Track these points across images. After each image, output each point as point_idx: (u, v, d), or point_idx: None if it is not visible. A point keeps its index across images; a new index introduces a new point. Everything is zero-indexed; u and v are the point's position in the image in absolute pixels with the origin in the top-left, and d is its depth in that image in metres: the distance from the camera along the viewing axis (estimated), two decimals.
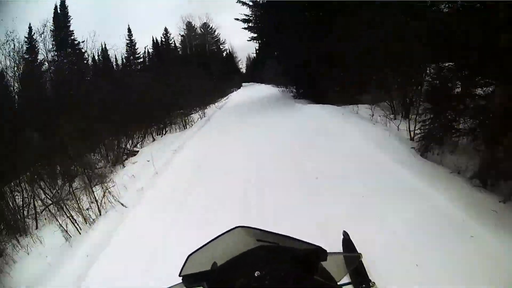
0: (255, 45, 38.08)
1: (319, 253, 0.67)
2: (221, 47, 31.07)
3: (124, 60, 19.71)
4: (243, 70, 40.22)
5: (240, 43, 43.44)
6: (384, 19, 5.13)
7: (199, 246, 0.74)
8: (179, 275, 0.69)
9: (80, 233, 3.20)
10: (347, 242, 1.57)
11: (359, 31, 5.79)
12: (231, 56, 34.76)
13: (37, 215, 3.98)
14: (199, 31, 27.98)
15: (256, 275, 0.61)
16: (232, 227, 0.75)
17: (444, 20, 3.22)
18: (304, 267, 0.65)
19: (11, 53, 6.90)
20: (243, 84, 37.32)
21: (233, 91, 25.70)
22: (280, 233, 0.72)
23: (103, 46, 15.78)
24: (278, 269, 0.63)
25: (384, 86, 5.41)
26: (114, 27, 31.70)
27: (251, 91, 22.39)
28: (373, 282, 0.97)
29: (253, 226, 0.75)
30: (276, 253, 0.69)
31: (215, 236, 0.75)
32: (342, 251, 1.39)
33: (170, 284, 0.73)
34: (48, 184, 4.52)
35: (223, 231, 0.75)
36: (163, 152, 5.98)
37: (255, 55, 36.31)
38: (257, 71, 31.31)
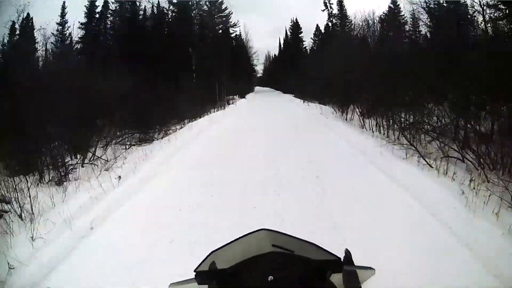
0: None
1: (333, 264, 0.68)
2: (231, 30, 21.12)
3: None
4: (259, 70, 32.95)
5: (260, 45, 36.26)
6: None
7: (223, 244, 0.75)
8: (194, 270, 0.71)
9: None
10: (348, 261, 1.64)
11: None
12: (240, 45, 23.81)
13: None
14: (205, 7, 18.48)
15: (269, 279, 0.62)
16: (256, 229, 0.77)
17: None
18: (317, 277, 0.66)
19: None
20: (256, 89, 32.95)
21: (231, 103, 16.78)
22: (303, 238, 0.74)
23: None
24: (291, 276, 0.65)
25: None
26: None
27: (263, 107, 15.67)
28: None
29: (276, 230, 0.76)
30: (289, 260, 0.71)
31: (239, 236, 0.77)
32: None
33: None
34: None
35: (247, 232, 0.77)
36: None
37: (276, 53, 30.39)
38: (281, 74, 25.16)
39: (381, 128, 6.63)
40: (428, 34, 12.15)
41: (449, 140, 4.36)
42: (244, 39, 24.67)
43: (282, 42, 28.51)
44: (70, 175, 4.42)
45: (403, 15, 14.88)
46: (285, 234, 0.75)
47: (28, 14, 11.88)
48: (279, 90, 28.15)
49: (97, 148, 5.57)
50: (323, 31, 20.68)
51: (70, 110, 5.01)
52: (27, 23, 11.94)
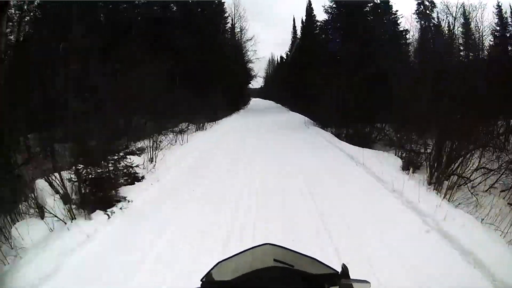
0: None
1: (331, 278, 0.73)
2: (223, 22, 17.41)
3: None
4: (257, 78, 26.10)
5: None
6: None
7: (229, 256, 0.79)
8: (201, 280, 0.74)
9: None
10: (345, 275, 1.70)
11: None
12: (230, 37, 19.02)
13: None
14: None
15: None
16: (261, 243, 0.81)
17: None
18: None
19: None
20: (252, 103, 30.24)
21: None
22: (304, 253, 0.79)
23: None
24: (293, 286, 0.70)
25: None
26: None
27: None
28: None
29: (281, 245, 0.81)
30: (289, 275, 0.75)
31: (245, 249, 0.81)
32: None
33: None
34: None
35: (252, 246, 0.81)
36: None
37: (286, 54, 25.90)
38: (288, 86, 20.12)
39: None
40: None
41: None
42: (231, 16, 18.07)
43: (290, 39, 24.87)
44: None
45: None
46: (286, 248, 0.80)
47: None
48: (288, 106, 21.29)
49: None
50: None
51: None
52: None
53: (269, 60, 33.84)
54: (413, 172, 4.85)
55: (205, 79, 13.72)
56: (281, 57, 31.15)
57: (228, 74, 16.46)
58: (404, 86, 7.80)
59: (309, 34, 19.72)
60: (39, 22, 9.92)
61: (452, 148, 4.28)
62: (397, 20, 14.56)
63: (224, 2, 17.44)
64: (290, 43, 26.62)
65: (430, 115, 5.58)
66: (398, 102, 7.32)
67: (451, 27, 13.28)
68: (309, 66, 15.61)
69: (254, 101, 35.20)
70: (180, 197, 4.22)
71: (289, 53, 27.12)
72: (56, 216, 3.09)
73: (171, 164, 5.73)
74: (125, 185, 4.23)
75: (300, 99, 17.54)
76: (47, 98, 6.26)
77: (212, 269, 0.76)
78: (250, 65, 22.18)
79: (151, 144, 5.71)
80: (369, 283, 0.75)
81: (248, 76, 22.49)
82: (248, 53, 21.62)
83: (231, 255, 0.79)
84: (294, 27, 26.25)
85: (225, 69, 15.98)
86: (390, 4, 14.56)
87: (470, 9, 13.05)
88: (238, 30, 20.94)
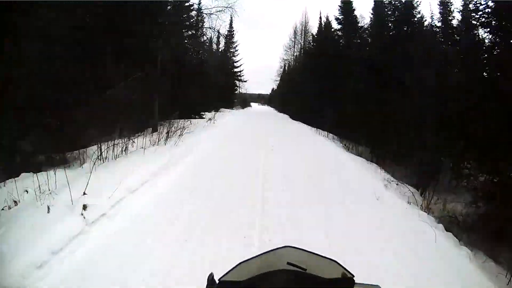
0: None
1: (344, 282, 0.74)
2: None
3: None
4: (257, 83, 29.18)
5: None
6: None
7: (251, 257, 0.79)
8: (219, 279, 0.75)
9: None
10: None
11: None
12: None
13: None
14: None
15: None
16: (282, 246, 0.82)
17: None
18: None
19: None
20: (252, 109, 32.07)
21: None
22: (324, 255, 0.79)
23: None
24: None
25: None
26: None
27: None
28: None
29: (301, 247, 0.82)
30: (300, 278, 0.75)
31: (266, 250, 0.81)
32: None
33: None
34: None
35: (274, 248, 0.81)
36: None
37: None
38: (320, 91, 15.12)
39: None
40: None
41: None
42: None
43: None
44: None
45: None
46: (306, 250, 0.81)
47: None
48: (309, 124, 15.55)
49: None
50: None
51: None
52: None
53: (282, 68, 32.65)
54: None
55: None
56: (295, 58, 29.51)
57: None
58: None
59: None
60: None
61: None
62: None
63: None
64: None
65: None
66: None
67: None
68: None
69: (252, 109, 36.90)
70: None
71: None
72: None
73: None
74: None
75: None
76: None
77: (232, 269, 0.77)
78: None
79: None
80: (380, 287, 0.76)
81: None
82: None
83: (252, 256, 0.80)
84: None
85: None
86: None
87: None
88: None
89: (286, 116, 24.05)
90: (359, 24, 16.21)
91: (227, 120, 14.82)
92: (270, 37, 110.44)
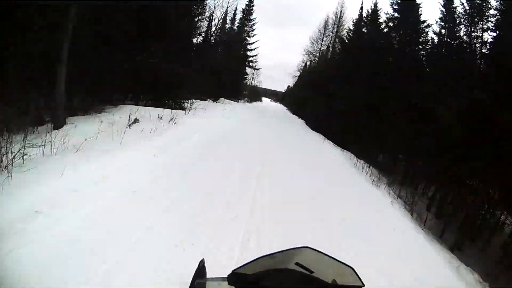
0: None
1: None
2: None
3: None
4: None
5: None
6: None
7: (271, 252, 0.77)
8: (232, 270, 0.74)
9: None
10: None
11: None
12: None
13: None
14: None
15: None
16: (301, 246, 0.79)
17: None
18: None
19: None
20: (262, 101, 28.65)
21: None
22: (342, 261, 0.76)
23: None
24: None
25: None
26: None
27: None
28: None
29: (320, 250, 0.78)
30: (307, 281, 0.73)
31: (285, 248, 0.78)
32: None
33: None
34: None
35: (293, 247, 0.79)
36: None
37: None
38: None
39: None
40: None
41: None
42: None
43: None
44: None
45: None
46: (322, 253, 0.78)
47: None
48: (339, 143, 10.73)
49: None
50: None
51: None
52: None
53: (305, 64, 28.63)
54: None
55: None
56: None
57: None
58: None
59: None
60: None
61: None
62: None
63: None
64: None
65: None
66: None
67: None
68: None
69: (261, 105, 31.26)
70: None
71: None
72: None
73: None
74: None
75: None
76: None
77: (248, 263, 0.75)
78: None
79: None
80: None
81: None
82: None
83: (273, 252, 0.77)
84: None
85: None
86: None
87: None
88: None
89: (300, 122, 18.88)
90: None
91: (207, 120, 8.39)
92: (288, 35, 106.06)
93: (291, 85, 37.89)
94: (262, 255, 0.76)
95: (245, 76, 24.83)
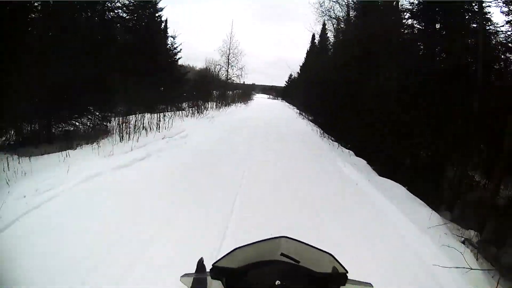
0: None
1: (336, 278, 0.72)
2: None
3: None
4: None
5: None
6: None
7: (246, 243, 0.78)
8: (212, 264, 0.73)
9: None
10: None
11: None
12: None
13: None
14: None
15: (276, 284, 0.66)
16: (278, 235, 0.81)
17: None
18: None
19: None
20: (253, 100, 26.33)
21: None
22: (320, 248, 0.76)
23: None
24: (298, 284, 0.71)
25: None
26: None
27: None
28: None
29: (297, 239, 0.80)
30: (293, 271, 0.74)
31: (262, 239, 0.79)
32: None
33: None
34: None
35: (270, 237, 0.79)
36: None
37: None
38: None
39: None
40: None
41: None
42: None
43: None
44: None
45: None
46: (302, 242, 0.79)
47: None
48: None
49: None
50: None
51: None
52: None
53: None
54: None
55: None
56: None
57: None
58: None
59: None
60: None
61: None
62: None
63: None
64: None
65: None
66: None
67: None
68: None
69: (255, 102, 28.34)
70: None
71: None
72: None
73: None
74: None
75: None
76: None
77: (226, 255, 0.76)
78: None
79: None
80: (372, 286, 0.77)
81: None
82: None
83: (248, 243, 0.79)
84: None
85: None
86: None
87: None
88: None
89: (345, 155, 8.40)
90: None
91: None
92: (285, 30, 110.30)
93: (295, 74, 29.19)
94: (237, 246, 0.77)
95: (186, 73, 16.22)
